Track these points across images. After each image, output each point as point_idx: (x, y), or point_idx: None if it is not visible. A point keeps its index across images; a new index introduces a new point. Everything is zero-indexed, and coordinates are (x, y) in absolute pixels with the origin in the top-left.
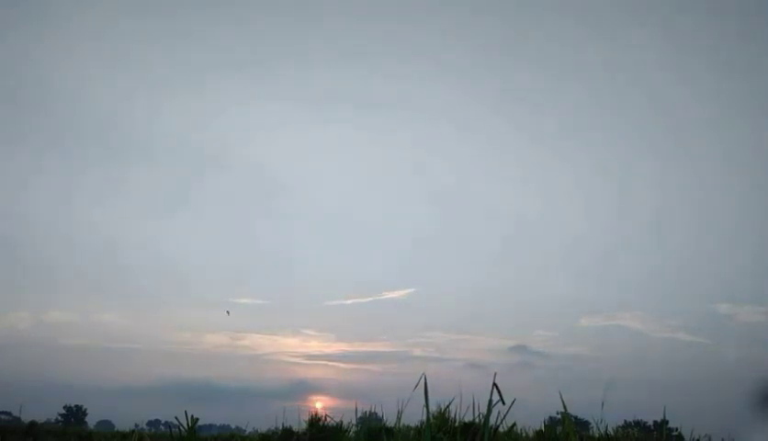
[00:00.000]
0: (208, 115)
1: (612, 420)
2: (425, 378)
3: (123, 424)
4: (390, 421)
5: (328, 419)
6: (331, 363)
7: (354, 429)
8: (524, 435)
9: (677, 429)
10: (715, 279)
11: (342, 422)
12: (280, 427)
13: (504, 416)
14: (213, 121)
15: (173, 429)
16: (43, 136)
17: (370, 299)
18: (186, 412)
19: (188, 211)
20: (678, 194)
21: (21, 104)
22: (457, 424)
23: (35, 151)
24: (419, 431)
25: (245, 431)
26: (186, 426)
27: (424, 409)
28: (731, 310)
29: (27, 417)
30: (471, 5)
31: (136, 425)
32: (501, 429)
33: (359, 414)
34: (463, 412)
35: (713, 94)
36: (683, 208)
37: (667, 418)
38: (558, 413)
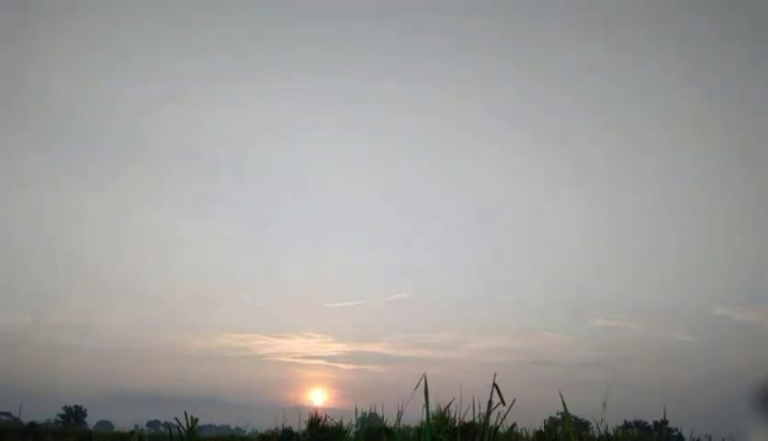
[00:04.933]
0: (211, 116)
1: (612, 420)
2: (425, 379)
3: (123, 424)
4: (390, 421)
5: (328, 419)
6: (331, 364)
7: (354, 429)
8: (524, 435)
9: (677, 429)
10: (711, 281)
11: (342, 422)
12: (280, 428)
13: (504, 416)
14: (216, 123)
15: (172, 430)
16: (45, 136)
17: (372, 300)
18: (185, 412)
19: (189, 212)
20: (675, 194)
21: (23, 105)
22: (457, 424)
23: (36, 151)
24: (419, 431)
25: (245, 431)
26: (185, 427)
27: (424, 409)
28: (727, 311)
29: (26, 417)
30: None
31: (136, 426)
32: (501, 429)
33: (359, 415)
34: (463, 413)
35: (713, 93)
36: (680, 208)
37: (667, 418)
38: (558, 414)
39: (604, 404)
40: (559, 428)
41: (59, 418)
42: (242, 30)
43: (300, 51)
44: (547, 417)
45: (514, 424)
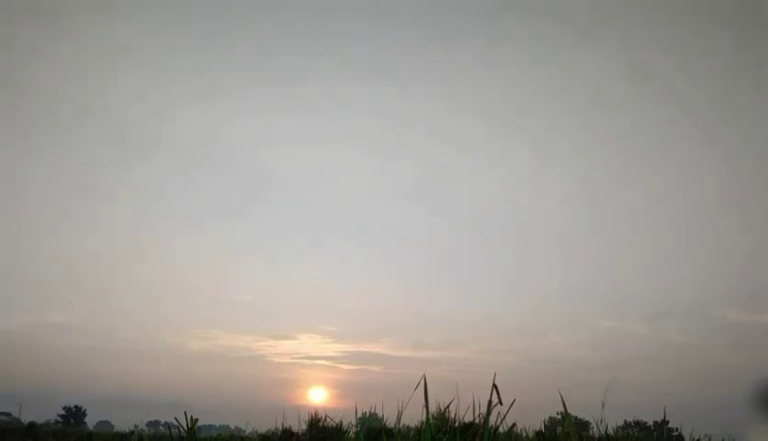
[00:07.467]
0: (214, 118)
1: (612, 420)
2: (425, 379)
3: (123, 424)
4: (390, 421)
5: (328, 420)
6: (331, 364)
7: (354, 430)
8: (524, 435)
9: (677, 429)
10: (710, 281)
11: (342, 422)
12: (280, 428)
13: (504, 416)
14: (221, 125)
15: (172, 430)
16: (50, 138)
17: (372, 300)
18: (185, 412)
19: (189, 212)
20: (671, 195)
21: (28, 107)
22: (457, 424)
23: (40, 153)
24: (419, 431)
25: (245, 431)
26: (185, 427)
27: (424, 409)
28: (726, 311)
29: (26, 418)
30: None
31: (136, 426)
32: (501, 429)
33: (359, 415)
34: (463, 413)
35: (716, 95)
36: (680, 208)
37: (667, 418)
38: (558, 414)
39: (603, 404)
40: (559, 428)
41: (59, 418)
42: (253, 34)
43: (305, 56)
44: (547, 417)
45: (514, 424)
